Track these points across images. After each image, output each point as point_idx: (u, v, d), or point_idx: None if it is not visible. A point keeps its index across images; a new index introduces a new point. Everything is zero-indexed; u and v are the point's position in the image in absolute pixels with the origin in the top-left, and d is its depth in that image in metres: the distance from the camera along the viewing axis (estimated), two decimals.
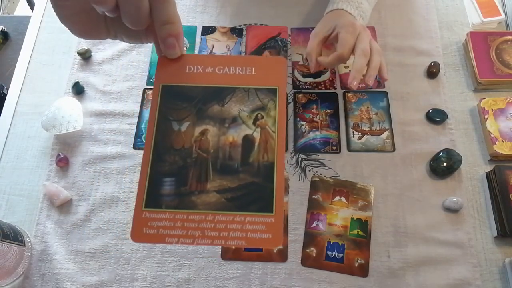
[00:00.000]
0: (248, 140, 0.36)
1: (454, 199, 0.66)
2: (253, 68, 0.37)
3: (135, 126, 0.73)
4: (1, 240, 0.58)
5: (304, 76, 0.77)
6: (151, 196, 0.34)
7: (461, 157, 0.68)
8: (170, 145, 0.35)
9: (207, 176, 0.35)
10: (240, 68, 0.37)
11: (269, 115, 0.36)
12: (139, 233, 0.33)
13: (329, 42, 0.69)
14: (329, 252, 0.64)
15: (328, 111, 0.74)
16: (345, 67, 0.78)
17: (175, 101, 0.37)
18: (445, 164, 0.67)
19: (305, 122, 0.74)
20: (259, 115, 0.37)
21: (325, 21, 0.69)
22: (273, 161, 0.35)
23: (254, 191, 0.34)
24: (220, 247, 0.65)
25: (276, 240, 0.33)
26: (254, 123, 0.36)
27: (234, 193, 0.34)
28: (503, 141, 0.69)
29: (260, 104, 0.36)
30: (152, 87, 0.77)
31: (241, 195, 0.34)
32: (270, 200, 0.34)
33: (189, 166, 0.35)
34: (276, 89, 0.37)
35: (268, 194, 0.34)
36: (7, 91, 0.79)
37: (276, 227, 0.33)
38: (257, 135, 0.36)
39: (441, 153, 0.69)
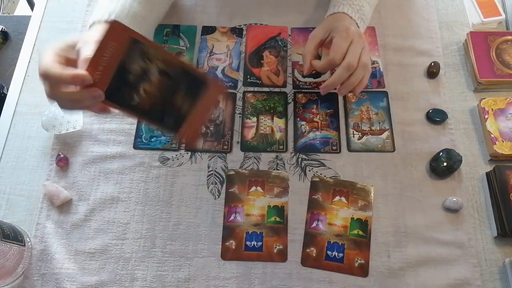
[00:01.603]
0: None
1: (454, 199, 0.66)
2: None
3: (135, 126, 0.73)
4: (1, 240, 0.58)
5: (304, 76, 0.77)
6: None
7: (461, 157, 0.68)
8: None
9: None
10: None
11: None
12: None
13: (325, 45, 0.69)
14: (329, 252, 0.64)
15: (328, 111, 0.74)
16: None
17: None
18: (445, 164, 0.67)
19: (305, 122, 0.74)
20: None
21: (324, 24, 0.69)
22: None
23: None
24: (220, 247, 0.65)
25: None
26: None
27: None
28: (503, 141, 0.69)
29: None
30: None
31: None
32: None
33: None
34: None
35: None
36: (7, 91, 0.79)
37: None
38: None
39: (441, 153, 0.69)
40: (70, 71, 0.47)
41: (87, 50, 0.48)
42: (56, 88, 0.48)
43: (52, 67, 0.48)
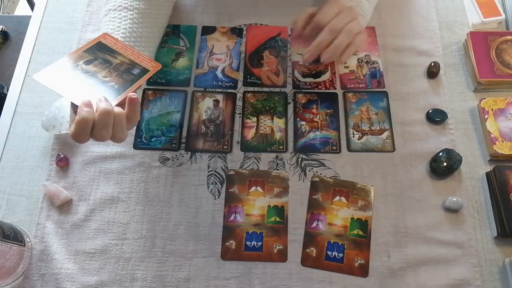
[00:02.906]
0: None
1: (454, 199, 0.66)
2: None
3: (135, 126, 0.73)
4: (1, 240, 0.58)
5: (304, 76, 0.77)
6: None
7: (461, 157, 0.68)
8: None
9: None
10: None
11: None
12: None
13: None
14: (329, 252, 0.64)
15: (328, 111, 0.74)
16: (345, 67, 0.78)
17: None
18: (445, 164, 0.67)
19: (305, 122, 0.74)
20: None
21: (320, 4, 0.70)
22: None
23: None
24: (220, 247, 0.65)
25: None
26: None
27: None
28: (503, 141, 0.69)
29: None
30: (152, 87, 0.77)
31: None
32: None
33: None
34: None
35: None
36: (7, 91, 0.79)
37: None
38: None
39: (441, 153, 0.69)
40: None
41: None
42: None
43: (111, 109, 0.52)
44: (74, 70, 0.55)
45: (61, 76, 0.54)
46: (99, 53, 0.58)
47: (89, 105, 0.50)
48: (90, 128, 0.49)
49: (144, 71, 0.58)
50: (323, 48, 0.65)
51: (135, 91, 0.55)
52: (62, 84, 0.53)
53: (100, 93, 0.53)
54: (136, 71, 0.58)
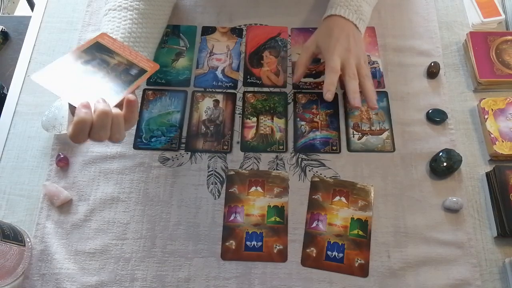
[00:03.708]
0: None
1: (454, 199, 0.66)
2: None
3: (135, 126, 0.73)
4: (1, 240, 0.58)
5: (304, 76, 0.77)
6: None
7: (461, 157, 0.68)
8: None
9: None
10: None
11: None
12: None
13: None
14: (329, 252, 0.64)
15: (328, 111, 0.74)
16: None
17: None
18: (445, 164, 0.67)
19: (305, 122, 0.74)
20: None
21: (316, 34, 0.72)
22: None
23: None
24: (220, 247, 0.65)
25: None
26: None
27: None
28: (503, 141, 0.69)
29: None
30: (152, 87, 0.77)
31: None
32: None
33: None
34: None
35: None
36: (7, 91, 0.79)
37: None
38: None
39: (441, 153, 0.69)
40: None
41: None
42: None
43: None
44: (72, 71, 0.55)
45: (59, 77, 0.54)
46: (97, 53, 0.58)
47: (87, 106, 0.50)
48: (88, 129, 0.49)
49: (142, 71, 0.58)
50: (331, 87, 0.67)
51: (133, 92, 0.55)
52: (59, 85, 0.53)
53: (98, 94, 0.52)
54: (134, 71, 0.58)
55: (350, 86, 0.67)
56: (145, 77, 0.58)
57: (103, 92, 0.54)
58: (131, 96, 0.53)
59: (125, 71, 0.57)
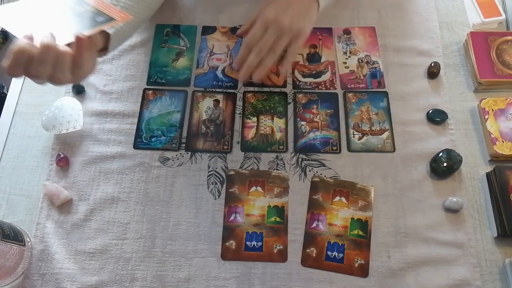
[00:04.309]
0: None
1: (454, 200, 0.66)
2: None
3: (135, 126, 0.73)
4: (1, 240, 0.58)
5: (304, 76, 0.77)
6: None
7: (461, 157, 0.68)
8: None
9: None
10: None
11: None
12: None
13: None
14: (329, 252, 0.64)
15: (328, 111, 0.74)
16: (345, 67, 0.78)
17: None
18: (445, 164, 0.67)
19: (305, 122, 0.74)
20: None
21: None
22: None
23: None
24: (220, 247, 0.65)
25: None
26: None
27: None
28: (503, 142, 0.69)
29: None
30: (152, 87, 0.77)
31: None
32: None
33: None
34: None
35: None
36: (7, 91, 0.79)
37: None
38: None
39: (441, 154, 0.69)
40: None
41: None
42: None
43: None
44: (34, 12, 0.51)
45: (18, 15, 0.50)
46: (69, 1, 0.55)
47: (30, 38, 0.47)
48: (25, 60, 0.46)
49: (110, 19, 0.54)
50: (253, 68, 0.66)
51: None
52: (15, 23, 0.50)
53: (50, 32, 0.49)
54: (100, 19, 0.53)
55: (249, 60, 0.65)
56: (110, 24, 0.54)
57: (57, 31, 0.49)
58: (82, 35, 0.49)
59: (92, 16, 0.53)
